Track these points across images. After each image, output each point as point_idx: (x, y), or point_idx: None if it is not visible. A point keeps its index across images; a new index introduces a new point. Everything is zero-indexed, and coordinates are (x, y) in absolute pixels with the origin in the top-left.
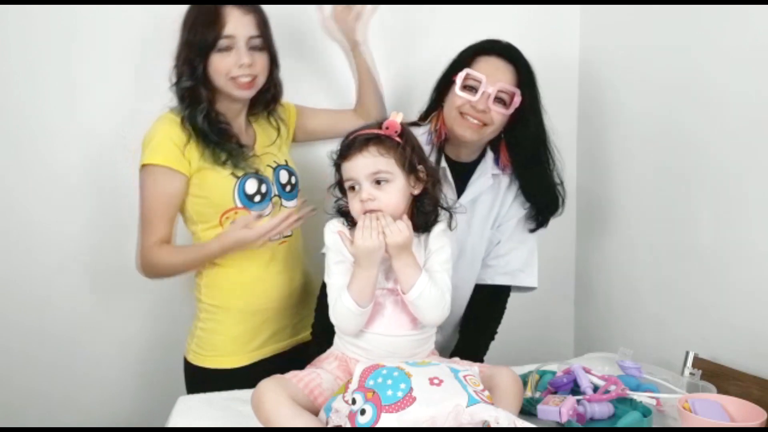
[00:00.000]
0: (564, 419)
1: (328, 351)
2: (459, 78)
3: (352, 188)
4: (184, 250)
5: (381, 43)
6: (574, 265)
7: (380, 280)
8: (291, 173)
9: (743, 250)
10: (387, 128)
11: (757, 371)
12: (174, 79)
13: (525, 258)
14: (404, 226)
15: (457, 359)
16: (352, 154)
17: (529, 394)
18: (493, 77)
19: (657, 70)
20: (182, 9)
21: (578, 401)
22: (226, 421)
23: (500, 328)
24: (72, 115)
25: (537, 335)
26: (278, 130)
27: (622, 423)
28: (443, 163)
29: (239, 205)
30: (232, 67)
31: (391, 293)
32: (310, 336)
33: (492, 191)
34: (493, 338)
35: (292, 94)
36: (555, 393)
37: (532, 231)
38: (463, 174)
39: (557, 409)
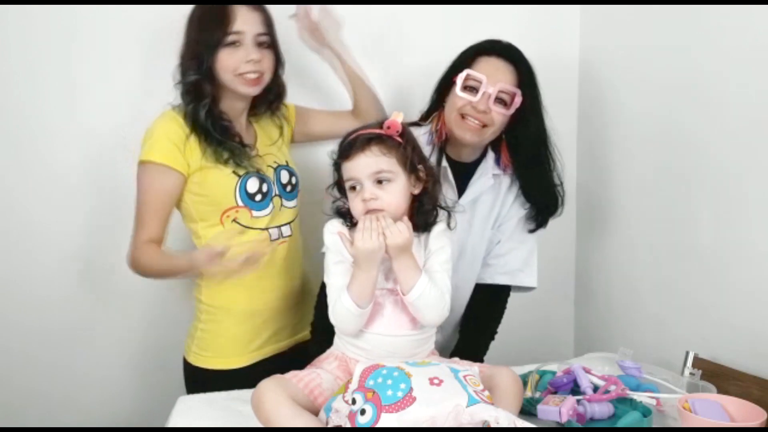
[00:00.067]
0: (564, 419)
1: (328, 351)
2: (459, 79)
3: (353, 188)
4: (164, 257)
5: (381, 43)
6: (574, 265)
7: (380, 280)
8: (291, 173)
9: (743, 250)
10: (388, 128)
11: (757, 371)
12: (178, 77)
13: (524, 258)
14: (404, 228)
15: (457, 359)
16: (353, 154)
17: (529, 394)
18: (493, 77)
19: (657, 70)
20: (183, 9)
21: (578, 401)
22: (226, 421)
23: (500, 328)
24: (72, 115)
25: (537, 335)
26: (281, 129)
27: (622, 423)
28: (444, 163)
29: (240, 203)
30: (240, 63)
31: (390, 293)
32: (309, 335)
33: (493, 191)
34: (493, 338)
35: (291, 95)
36: (555, 393)
37: (532, 231)
38: (464, 174)
39: (557, 409)
